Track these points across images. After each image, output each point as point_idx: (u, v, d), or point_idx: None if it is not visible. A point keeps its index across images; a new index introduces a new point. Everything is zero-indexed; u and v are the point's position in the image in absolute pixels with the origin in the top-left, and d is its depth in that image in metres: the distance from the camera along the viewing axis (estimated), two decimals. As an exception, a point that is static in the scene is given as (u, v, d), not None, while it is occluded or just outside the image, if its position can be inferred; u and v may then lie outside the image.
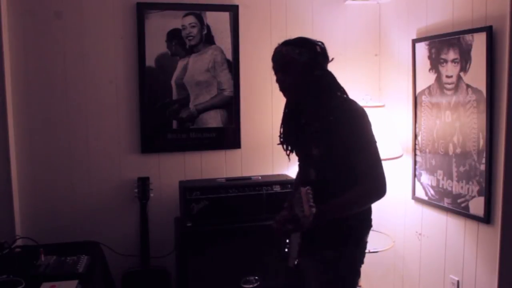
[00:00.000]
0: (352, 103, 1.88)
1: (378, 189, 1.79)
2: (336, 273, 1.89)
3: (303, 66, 1.85)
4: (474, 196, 2.40)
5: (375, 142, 1.84)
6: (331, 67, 1.94)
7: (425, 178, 2.78)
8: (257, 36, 3.09)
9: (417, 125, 2.84)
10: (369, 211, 1.96)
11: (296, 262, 1.89)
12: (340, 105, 1.86)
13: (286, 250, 1.95)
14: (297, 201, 1.70)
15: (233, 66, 3.04)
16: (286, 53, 1.87)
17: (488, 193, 2.30)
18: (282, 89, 1.94)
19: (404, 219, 3.03)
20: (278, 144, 2.08)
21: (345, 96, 1.92)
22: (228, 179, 2.89)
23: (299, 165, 2.09)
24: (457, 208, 2.51)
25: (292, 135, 2.03)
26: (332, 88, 1.90)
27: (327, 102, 1.86)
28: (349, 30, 3.22)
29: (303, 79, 1.86)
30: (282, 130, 2.06)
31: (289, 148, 2.06)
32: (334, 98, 1.88)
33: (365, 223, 1.97)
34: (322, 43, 1.92)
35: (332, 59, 1.93)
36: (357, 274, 1.96)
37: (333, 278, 1.90)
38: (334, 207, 1.78)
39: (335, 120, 1.81)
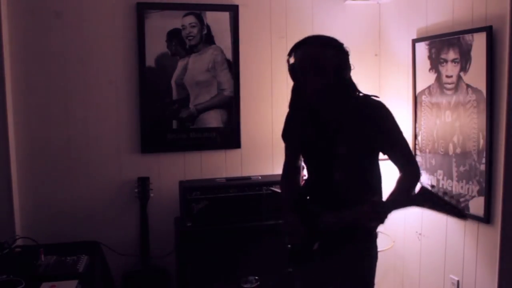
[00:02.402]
0: (375, 99, 1.87)
1: (419, 172, 1.87)
2: (368, 266, 1.91)
3: (336, 68, 1.79)
4: (474, 196, 2.40)
5: (402, 131, 1.87)
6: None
7: (425, 178, 2.77)
8: (257, 36, 3.09)
9: (417, 125, 2.84)
10: None
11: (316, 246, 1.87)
12: (368, 101, 1.84)
13: (289, 246, 1.94)
14: (360, 215, 1.68)
15: (233, 66, 3.04)
16: (321, 56, 1.78)
17: (488, 193, 2.30)
18: (312, 91, 1.80)
19: (404, 219, 3.03)
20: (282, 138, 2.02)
21: (364, 94, 1.88)
22: (228, 179, 2.89)
23: (310, 165, 2.00)
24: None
25: (306, 132, 1.92)
26: (356, 88, 1.87)
27: (354, 100, 1.84)
28: (349, 30, 3.22)
29: (335, 81, 1.79)
30: (288, 123, 1.99)
31: (295, 144, 2.00)
32: (359, 97, 1.86)
33: None
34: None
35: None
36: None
37: (365, 271, 1.91)
38: (395, 202, 1.74)
39: (369, 116, 1.79)
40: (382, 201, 1.72)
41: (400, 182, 1.81)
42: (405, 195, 1.76)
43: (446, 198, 1.61)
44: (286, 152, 2.09)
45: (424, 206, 1.68)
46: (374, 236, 1.94)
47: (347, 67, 1.82)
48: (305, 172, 2.12)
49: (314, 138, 1.90)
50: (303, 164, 2.11)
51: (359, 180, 1.86)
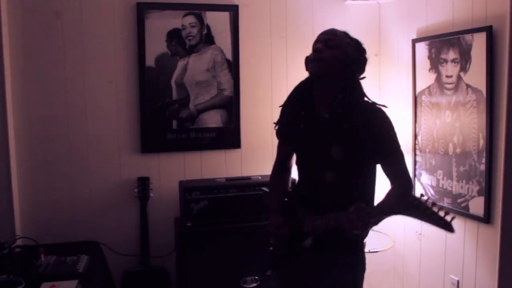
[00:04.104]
0: (379, 107, 1.83)
1: (411, 186, 1.87)
2: (353, 278, 1.87)
3: (350, 57, 1.79)
4: (474, 196, 2.40)
5: (399, 144, 1.85)
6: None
7: (425, 178, 2.77)
8: (257, 36, 3.09)
9: (417, 125, 2.84)
10: None
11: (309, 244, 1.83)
12: (373, 107, 1.81)
13: (271, 248, 1.91)
14: (345, 220, 1.62)
15: (233, 66, 3.04)
16: (341, 37, 1.81)
17: (488, 193, 2.31)
18: (317, 57, 1.77)
19: (404, 219, 3.02)
20: (276, 131, 1.96)
21: (372, 101, 1.86)
22: (228, 179, 2.89)
23: (302, 166, 1.95)
24: (457, 208, 2.51)
25: (303, 131, 1.87)
26: (364, 94, 1.85)
27: (360, 102, 1.81)
28: (349, 30, 3.20)
29: (342, 67, 1.78)
30: (284, 120, 1.93)
31: (289, 143, 1.96)
32: (365, 102, 1.83)
33: None
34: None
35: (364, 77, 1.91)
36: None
37: (350, 283, 1.87)
38: (381, 209, 1.70)
39: (370, 121, 1.76)
40: (368, 206, 1.67)
41: (389, 193, 1.78)
42: (392, 204, 1.71)
43: (436, 208, 1.57)
44: (279, 150, 2.05)
45: (410, 215, 1.60)
46: (361, 247, 1.90)
47: (360, 67, 1.84)
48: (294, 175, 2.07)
49: (309, 136, 1.85)
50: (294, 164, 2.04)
51: (352, 185, 1.80)
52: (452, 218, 1.53)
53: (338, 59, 1.77)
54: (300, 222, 1.81)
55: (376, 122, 1.77)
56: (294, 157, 2.00)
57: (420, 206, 1.56)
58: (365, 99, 1.83)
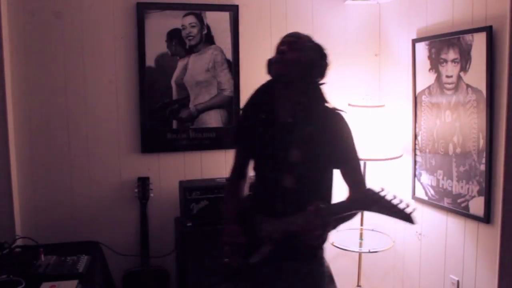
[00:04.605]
0: (340, 112, 1.83)
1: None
2: (316, 283, 1.85)
3: (312, 60, 1.78)
4: (474, 196, 2.40)
5: (357, 152, 1.85)
6: (332, 65, 1.92)
7: (425, 178, 2.77)
8: (257, 36, 3.08)
9: (417, 125, 2.84)
10: None
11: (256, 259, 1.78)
12: (333, 112, 1.82)
13: (227, 260, 1.85)
14: (304, 221, 1.60)
15: (233, 66, 3.04)
16: (303, 41, 1.80)
17: (488, 193, 2.31)
18: (279, 59, 1.78)
19: (404, 219, 3.03)
20: (234, 141, 1.97)
21: (332, 106, 1.85)
22: (228, 179, 2.88)
23: (261, 170, 1.90)
24: (457, 208, 2.51)
25: (263, 135, 1.84)
26: (325, 99, 1.83)
27: (319, 108, 1.81)
28: (349, 30, 3.22)
29: (304, 70, 1.77)
30: (243, 123, 1.93)
31: (248, 147, 1.92)
32: (324, 106, 1.83)
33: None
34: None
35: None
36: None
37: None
38: (340, 207, 1.70)
39: (330, 126, 1.78)
40: (326, 205, 1.64)
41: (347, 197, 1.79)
42: (352, 200, 1.72)
43: (396, 200, 1.55)
44: (236, 156, 2.00)
45: (370, 210, 1.59)
46: (320, 254, 1.87)
47: (321, 71, 1.82)
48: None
49: (269, 140, 1.82)
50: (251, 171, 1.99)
51: (310, 189, 1.78)
52: (413, 210, 1.54)
53: (301, 61, 1.77)
54: (256, 228, 1.78)
55: (336, 127, 1.79)
56: (251, 164, 1.96)
57: (380, 201, 1.56)
58: (326, 104, 1.83)
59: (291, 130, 1.78)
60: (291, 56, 1.76)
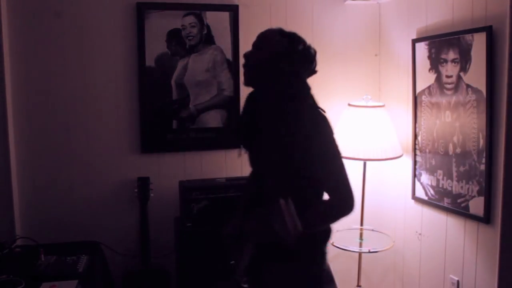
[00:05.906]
0: (318, 110, 1.76)
1: (348, 206, 1.69)
2: (300, 285, 1.80)
3: (274, 52, 1.75)
4: (474, 196, 2.40)
5: (340, 153, 1.74)
6: (332, 66, 1.91)
7: (425, 178, 2.78)
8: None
9: (417, 125, 2.84)
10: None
11: (244, 280, 1.84)
12: (310, 111, 1.74)
13: (233, 262, 1.88)
14: (276, 215, 1.56)
15: (233, 66, 3.04)
16: (268, 33, 1.81)
17: (488, 193, 2.30)
18: (246, 65, 1.84)
19: (404, 219, 3.03)
20: (236, 138, 2.03)
21: (311, 103, 1.78)
22: (228, 179, 2.89)
23: (252, 169, 1.99)
24: (457, 208, 2.51)
25: (250, 135, 1.88)
26: (306, 95, 1.78)
27: (296, 105, 1.73)
28: (349, 30, 3.22)
29: (269, 64, 1.75)
30: (237, 127, 2.00)
31: (245, 147, 1.96)
32: (303, 104, 1.75)
33: (324, 235, 1.84)
34: (311, 48, 1.78)
35: (317, 71, 1.83)
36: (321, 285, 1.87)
37: None
38: (309, 224, 1.63)
39: (300, 126, 1.68)
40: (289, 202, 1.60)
41: (319, 207, 1.72)
42: (315, 224, 1.67)
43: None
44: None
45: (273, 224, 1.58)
46: (297, 256, 1.74)
47: (294, 59, 1.74)
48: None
49: (254, 142, 1.87)
50: None
51: (297, 192, 1.69)
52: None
53: (262, 59, 1.76)
54: (242, 221, 1.86)
55: (311, 126, 1.70)
56: None
57: (280, 216, 1.56)
58: (305, 102, 1.76)
59: (270, 132, 1.78)
60: (252, 58, 1.81)
